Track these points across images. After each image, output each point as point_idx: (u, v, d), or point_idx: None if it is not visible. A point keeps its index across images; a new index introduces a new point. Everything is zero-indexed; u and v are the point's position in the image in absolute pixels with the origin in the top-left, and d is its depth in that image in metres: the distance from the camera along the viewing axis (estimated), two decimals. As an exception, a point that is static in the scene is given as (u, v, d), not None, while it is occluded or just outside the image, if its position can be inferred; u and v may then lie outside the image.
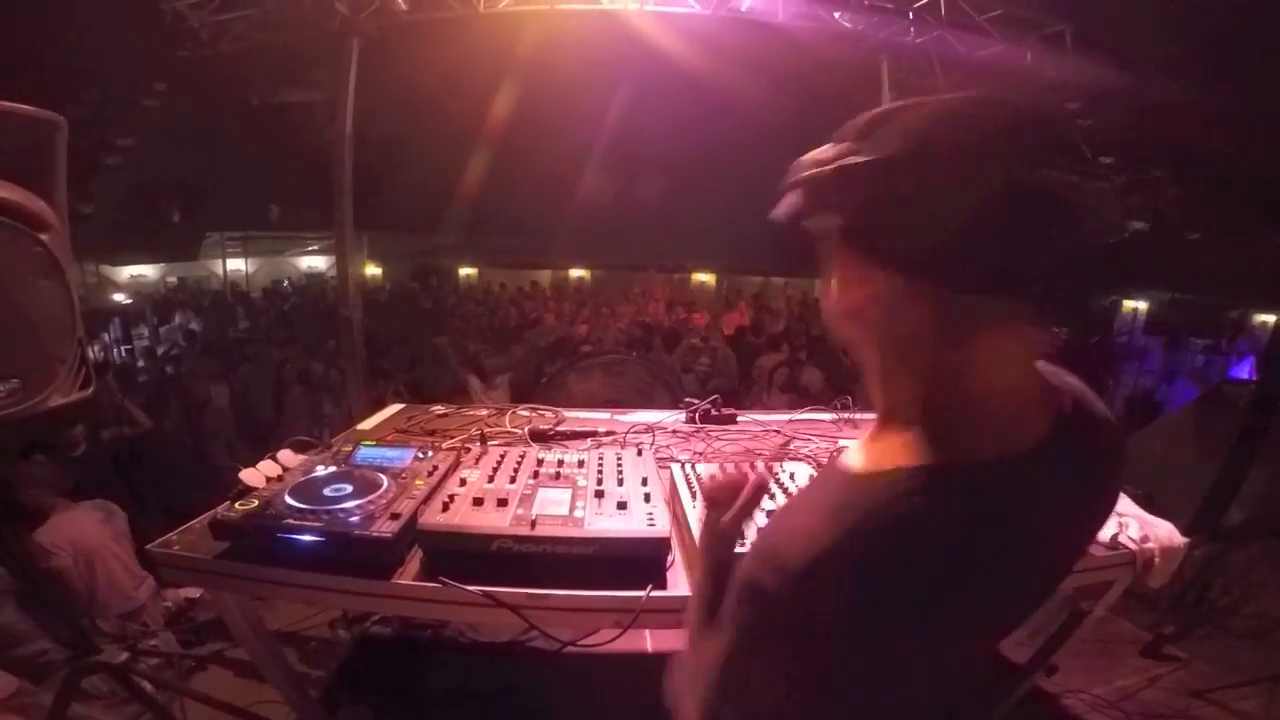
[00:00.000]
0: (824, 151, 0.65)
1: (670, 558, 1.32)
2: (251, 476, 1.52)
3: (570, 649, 1.50)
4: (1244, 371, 7.46)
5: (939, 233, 0.57)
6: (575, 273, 15.64)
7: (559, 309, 10.28)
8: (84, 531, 2.94)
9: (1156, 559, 1.60)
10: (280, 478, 1.55)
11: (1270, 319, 9.40)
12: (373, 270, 15.74)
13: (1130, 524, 1.62)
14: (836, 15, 5.11)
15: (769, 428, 2.31)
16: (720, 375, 6.28)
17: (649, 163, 11.46)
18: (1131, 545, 1.57)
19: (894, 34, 5.24)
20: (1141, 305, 10.91)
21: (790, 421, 2.39)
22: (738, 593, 0.65)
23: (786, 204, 0.69)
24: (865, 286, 0.64)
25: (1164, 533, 1.64)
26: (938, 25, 5.14)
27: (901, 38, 5.24)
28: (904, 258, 0.60)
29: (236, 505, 1.40)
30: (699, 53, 6.10)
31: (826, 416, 2.47)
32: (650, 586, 1.23)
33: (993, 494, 0.60)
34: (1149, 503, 1.76)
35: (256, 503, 1.41)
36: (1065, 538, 0.71)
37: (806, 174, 0.66)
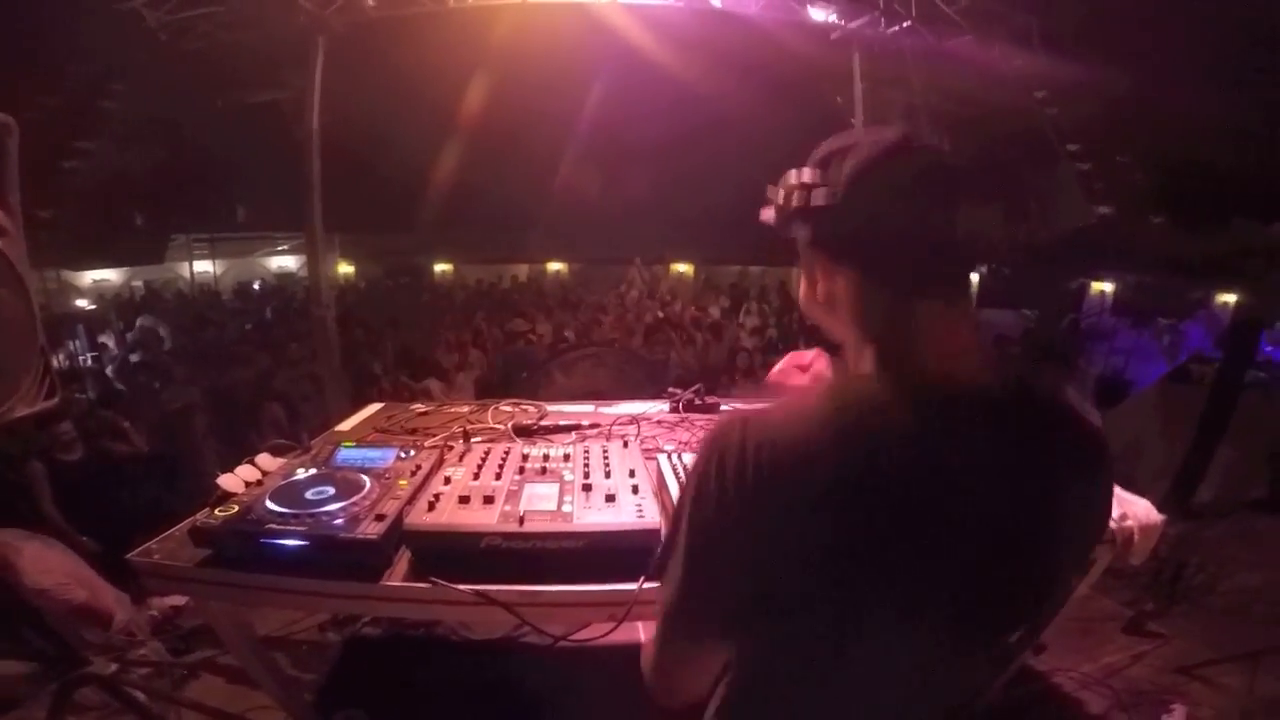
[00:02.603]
0: (794, 175, 0.81)
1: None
2: (230, 482, 1.49)
3: (564, 642, 1.49)
4: (1208, 348, 7.66)
5: (879, 243, 0.76)
6: (553, 267, 15.55)
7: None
8: (65, 560, 2.87)
9: (1136, 536, 1.61)
10: (259, 482, 1.52)
11: (1231, 299, 9.66)
12: (345, 269, 15.50)
13: (1108, 502, 1.65)
14: (809, 8, 5.12)
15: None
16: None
17: (624, 155, 11.40)
18: (1111, 523, 1.59)
19: (865, 26, 5.27)
20: (1108, 287, 11.14)
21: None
22: (689, 507, 0.75)
23: (767, 214, 0.86)
24: (830, 280, 0.82)
25: (1141, 510, 1.66)
26: (908, 17, 5.18)
27: (873, 29, 5.27)
28: (855, 260, 0.79)
29: (216, 511, 1.37)
30: (671, 45, 6.08)
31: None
32: (643, 579, 1.23)
33: (937, 418, 0.71)
34: (1125, 481, 1.78)
35: (236, 508, 1.37)
36: (1018, 518, 0.73)
37: (781, 194, 0.82)
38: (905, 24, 5.21)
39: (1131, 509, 1.65)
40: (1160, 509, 1.68)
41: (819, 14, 5.19)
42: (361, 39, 5.54)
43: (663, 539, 0.82)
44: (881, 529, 0.69)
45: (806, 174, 0.80)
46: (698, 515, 0.74)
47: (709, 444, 0.75)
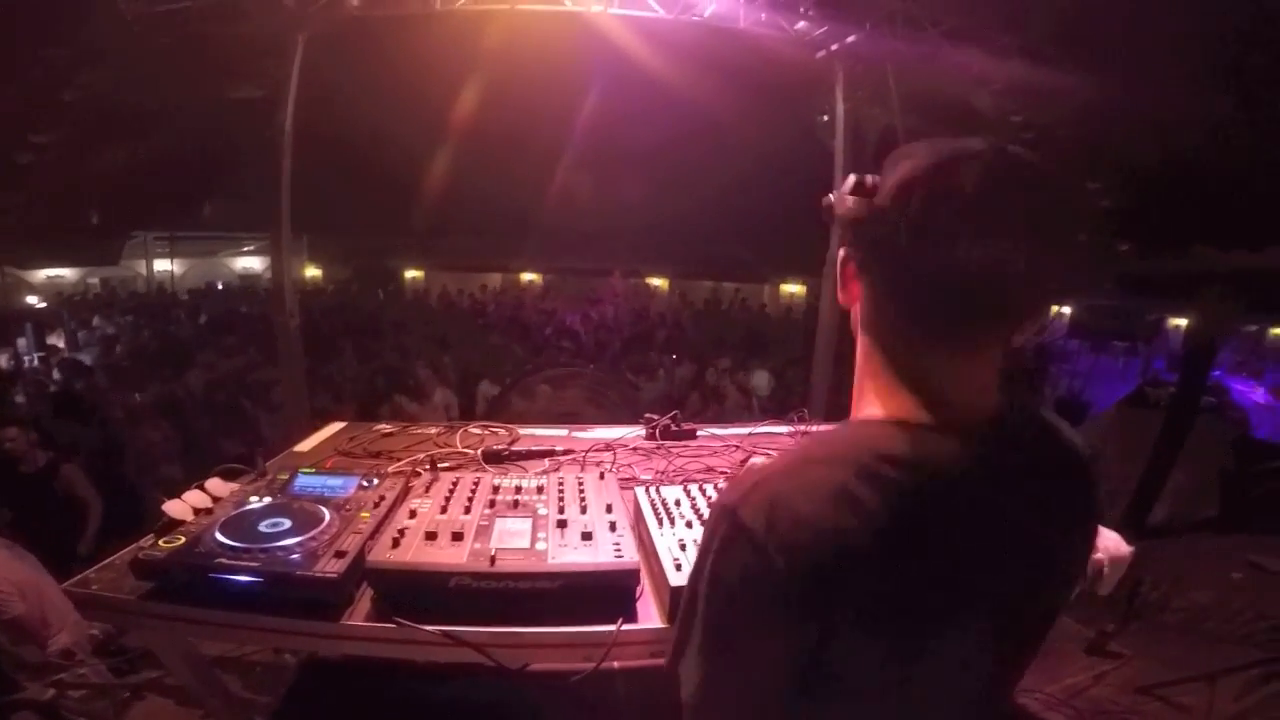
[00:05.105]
0: (853, 177, 0.76)
1: (639, 588, 1.27)
2: (176, 509, 1.39)
3: (533, 667, 1.43)
4: (1164, 372, 7.93)
5: (915, 270, 0.70)
6: (526, 276, 15.44)
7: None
8: (14, 570, 2.72)
9: (1105, 569, 1.64)
10: (209, 510, 1.42)
11: (1183, 322, 10.02)
12: (313, 272, 15.17)
13: (1081, 536, 1.66)
14: (797, 25, 5.17)
15: (729, 443, 2.28)
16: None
17: (603, 166, 11.38)
18: (1083, 555, 1.60)
19: (850, 44, 5.35)
20: (1066, 310, 11.47)
21: (749, 436, 2.37)
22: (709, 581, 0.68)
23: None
24: (851, 287, 0.81)
25: (1112, 543, 1.67)
26: (892, 36, 5.27)
27: (856, 48, 5.34)
28: (872, 273, 0.77)
29: (161, 542, 1.27)
30: (656, 56, 6.09)
31: (784, 430, 2.46)
32: (621, 620, 1.18)
33: (954, 458, 0.68)
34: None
35: (183, 539, 1.28)
36: (1023, 550, 0.72)
37: (831, 209, 0.79)
38: (888, 43, 5.30)
39: (1102, 541, 1.66)
40: (1118, 528, 1.71)
41: (804, 32, 5.23)
42: (342, 38, 5.41)
43: (675, 626, 0.75)
44: (917, 577, 0.66)
45: (866, 178, 0.76)
46: (717, 595, 0.67)
47: (721, 514, 0.68)
